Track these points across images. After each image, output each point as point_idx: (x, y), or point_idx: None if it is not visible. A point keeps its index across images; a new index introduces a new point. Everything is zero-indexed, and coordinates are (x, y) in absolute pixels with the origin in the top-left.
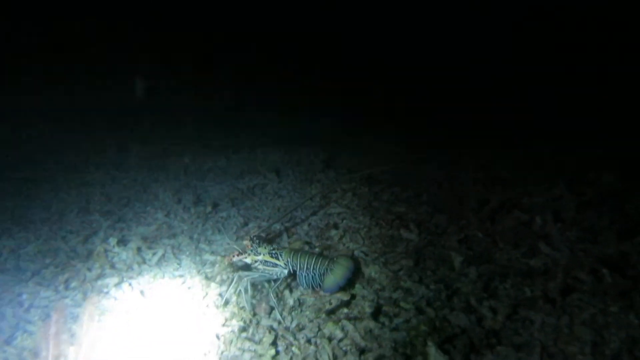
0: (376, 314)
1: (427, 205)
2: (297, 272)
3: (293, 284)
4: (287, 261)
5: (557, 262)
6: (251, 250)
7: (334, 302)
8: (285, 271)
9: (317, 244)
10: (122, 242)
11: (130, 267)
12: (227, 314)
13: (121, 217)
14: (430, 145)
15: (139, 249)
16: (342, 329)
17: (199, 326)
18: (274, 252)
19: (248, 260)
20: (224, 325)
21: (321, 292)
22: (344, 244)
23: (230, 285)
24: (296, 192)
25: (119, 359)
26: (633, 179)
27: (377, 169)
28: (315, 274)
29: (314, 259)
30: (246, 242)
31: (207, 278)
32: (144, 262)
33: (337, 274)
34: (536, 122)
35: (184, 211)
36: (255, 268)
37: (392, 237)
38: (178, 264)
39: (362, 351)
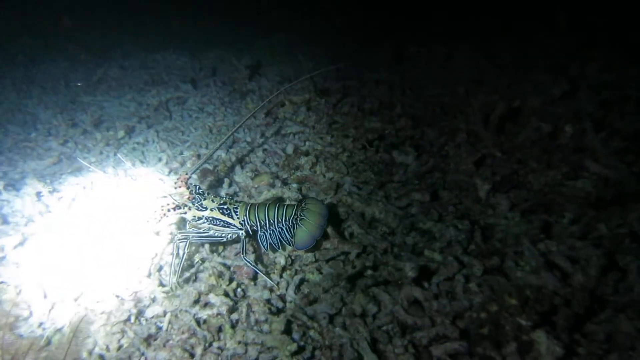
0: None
1: (405, 117)
2: (258, 232)
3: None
4: (244, 219)
5: (616, 182)
6: (193, 203)
7: (357, 264)
8: (241, 232)
9: (285, 176)
10: (11, 185)
11: (30, 220)
12: (201, 286)
13: None
14: (354, 44)
15: (38, 194)
16: (375, 300)
17: (163, 306)
18: (225, 207)
19: (188, 216)
20: (199, 304)
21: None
22: (323, 175)
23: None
24: (226, 106)
25: None
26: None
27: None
28: (282, 229)
29: (276, 210)
30: (181, 190)
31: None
32: (49, 211)
33: (309, 224)
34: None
35: (85, 137)
36: (198, 226)
37: (383, 162)
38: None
39: (409, 330)
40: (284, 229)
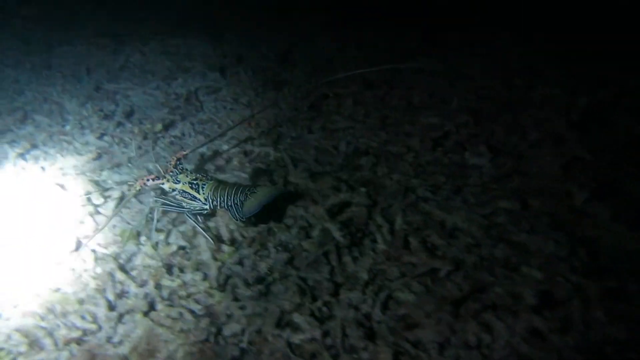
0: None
1: (465, 112)
2: (217, 207)
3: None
4: (208, 195)
5: None
6: (171, 176)
7: (464, 286)
8: (206, 207)
9: (346, 177)
10: (59, 184)
11: (81, 222)
12: (284, 304)
13: (30, 140)
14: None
15: (87, 195)
16: (488, 328)
17: (241, 324)
18: (195, 183)
19: (165, 186)
20: (284, 324)
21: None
22: (390, 177)
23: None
24: (262, 98)
25: None
26: None
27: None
28: (237, 203)
29: (234, 189)
30: (172, 163)
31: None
32: (98, 212)
33: (259, 195)
34: None
35: (121, 130)
36: (173, 197)
37: (453, 164)
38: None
39: None
40: (238, 204)
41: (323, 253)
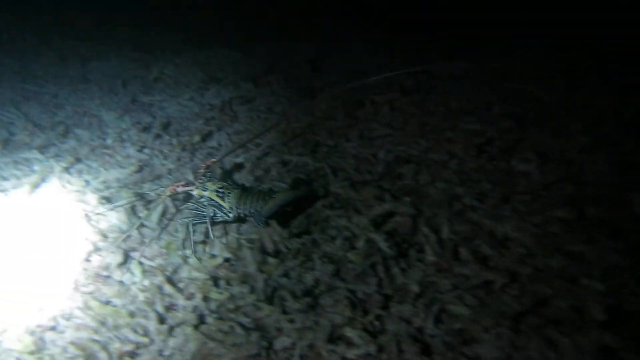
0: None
1: (507, 117)
2: (241, 215)
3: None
4: (233, 204)
5: None
6: (200, 183)
7: (524, 301)
8: (231, 215)
9: (388, 187)
10: (105, 198)
11: (128, 235)
12: (335, 318)
13: (74, 154)
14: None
15: (133, 208)
16: (551, 344)
17: (292, 338)
18: (221, 191)
19: (195, 193)
20: (335, 339)
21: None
22: (434, 186)
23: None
24: (294, 106)
25: None
26: None
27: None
28: (258, 210)
29: (256, 196)
30: (202, 170)
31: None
32: (143, 224)
33: (277, 198)
34: None
35: (160, 143)
36: (202, 205)
37: (500, 171)
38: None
39: None
40: (259, 208)
41: (370, 265)
